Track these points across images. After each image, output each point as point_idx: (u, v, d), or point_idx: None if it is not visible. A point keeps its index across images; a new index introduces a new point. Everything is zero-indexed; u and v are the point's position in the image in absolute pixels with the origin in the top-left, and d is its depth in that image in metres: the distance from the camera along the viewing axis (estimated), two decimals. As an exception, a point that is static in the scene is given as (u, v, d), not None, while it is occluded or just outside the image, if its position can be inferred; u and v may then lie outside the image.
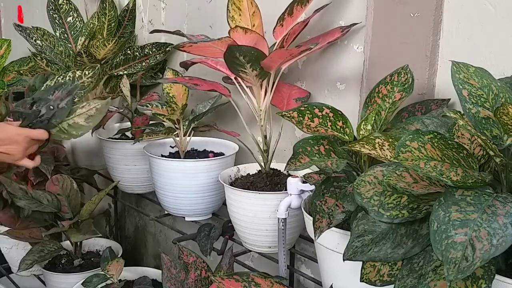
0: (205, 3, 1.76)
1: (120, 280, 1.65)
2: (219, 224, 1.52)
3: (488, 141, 0.81)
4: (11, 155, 1.23)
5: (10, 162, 1.28)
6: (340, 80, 1.38)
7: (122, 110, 1.79)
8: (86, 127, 1.33)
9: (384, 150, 0.91)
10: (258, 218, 1.31)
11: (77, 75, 1.44)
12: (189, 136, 1.62)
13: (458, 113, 0.84)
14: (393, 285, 0.85)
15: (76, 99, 1.36)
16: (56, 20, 2.07)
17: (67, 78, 1.43)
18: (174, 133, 1.62)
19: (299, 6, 1.29)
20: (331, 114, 1.08)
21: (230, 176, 1.45)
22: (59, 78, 1.44)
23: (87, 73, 1.45)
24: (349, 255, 0.89)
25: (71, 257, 1.87)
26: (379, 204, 0.85)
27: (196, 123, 1.60)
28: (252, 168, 1.46)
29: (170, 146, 1.69)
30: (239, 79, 1.32)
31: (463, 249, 0.70)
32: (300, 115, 1.07)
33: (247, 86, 1.33)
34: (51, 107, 1.28)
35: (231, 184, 1.38)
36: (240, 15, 1.34)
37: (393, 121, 1.14)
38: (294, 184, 1.20)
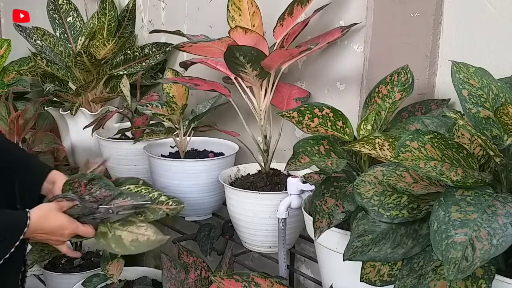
0: (205, 3, 1.76)
1: (120, 280, 1.65)
2: (219, 224, 1.52)
3: (488, 141, 0.81)
4: (52, 242, 1.19)
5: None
6: (340, 80, 1.38)
7: (122, 110, 1.79)
8: (126, 249, 1.18)
9: (384, 150, 0.91)
10: (258, 218, 1.31)
11: (159, 199, 1.25)
12: (189, 136, 1.62)
13: (458, 113, 0.84)
14: (393, 285, 0.85)
15: (141, 218, 1.22)
16: (56, 20, 2.07)
17: (150, 195, 1.25)
18: (174, 133, 1.62)
19: (299, 6, 1.29)
20: (331, 114, 1.08)
21: (230, 176, 1.45)
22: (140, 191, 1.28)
23: (171, 202, 1.26)
24: (349, 255, 0.88)
25: (71, 257, 1.87)
26: (379, 204, 0.85)
27: (196, 123, 1.60)
28: (252, 168, 1.46)
29: (170, 146, 1.69)
30: (239, 79, 1.32)
31: (463, 249, 0.70)
32: (300, 115, 1.07)
33: (247, 86, 1.33)
34: (110, 210, 1.17)
35: (231, 184, 1.38)
36: (240, 15, 1.34)
37: (393, 121, 1.14)
38: (294, 184, 1.20)
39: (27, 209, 1.13)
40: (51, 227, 1.14)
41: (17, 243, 1.11)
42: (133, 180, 1.37)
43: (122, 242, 1.18)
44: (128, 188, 1.25)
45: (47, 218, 1.14)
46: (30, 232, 1.12)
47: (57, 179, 1.29)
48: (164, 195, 1.24)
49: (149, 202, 1.21)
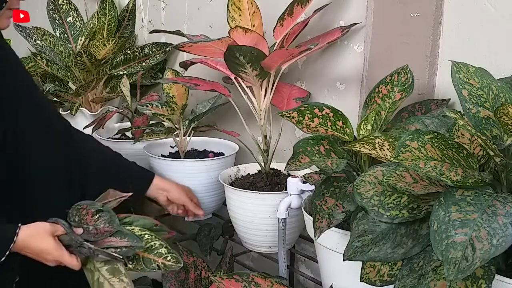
0: (205, 3, 1.76)
1: (120, 280, 1.65)
2: (219, 224, 1.52)
3: (488, 141, 0.81)
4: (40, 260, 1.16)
5: None
6: (340, 80, 1.38)
7: (122, 110, 1.79)
8: None
9: (384, 150, 0.91)
10: (258, 218, 1.31)
11: (158, 250, 1.16)
12: (189, 136, 1.62)
13: (458, 113, 0.84)
14: (393, 285, 0.85)
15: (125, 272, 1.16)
16: (56, 20, 2.07)
17: (152, 242, 1.17)
18: (174, 133, 1.62)
19: (299, 6, 1.29)
20: (331, 114, 1.08)
21: (230, 176, 1.45)
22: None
23: (169, 257, 1.16)
24: (349, 255, 0.88)
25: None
26: (379, 204, 0.85)
27: (196, 123, 1.60)
28: (252, 168, 1.46)
29: (170, 146, 1.69)
30: (239, 79, 1.32)
31: (463, 249, 0.70)
32: (300, 115, 1.07)
33: (247, 86, 1.33)
34: (91, 250, 1.13)
35: (231, 184, 1.38)
36: (240, 15, 1.34)
37: (393, 121, 1.13)
38: (294, 184, 1.20)
39: (20, 224, 1.11)
40: (36, 248, 1.12)
41: (3, 258, 1.08)
42: (147, 222, 1.24)
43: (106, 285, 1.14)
44: (133, 229, 1.18)
45: (34, 239, 1.11)
46: (17, 248, 1.11)
47: (168, 189, 1.41)
48: (166, 248, 1.16)
49: (141, 245, 1.15)
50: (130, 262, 1.17)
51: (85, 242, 1.13)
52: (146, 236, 1.17)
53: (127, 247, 1.14)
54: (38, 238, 1.11)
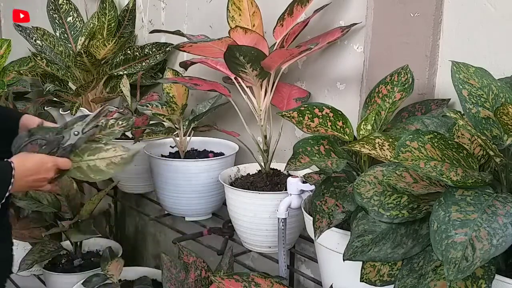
0: (205, 3, 1.76)
1: (120, 280, 1.65)
2: (219, 224, 1.52)
3: (488, 141, 0.81)
4: (40, 185, 1.20)
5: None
6: (340, 80, 1.38)
7: (122, 110, 1.79)
8: (106, 174, 1.20)
9: (384, 150, 0.91)
10: (258, 218, 1.31)
11: (109, 123, 1.32)
12: (189, 136, 1.62)
13: (458, 113, 0.84)
14: (393, 285, 0.85)
15: (103, 142, 1.25)
16: (56, 20, 2.07)
17: (100, 123, 1.29)
18: (174, 133, 1.62)
19: (299, 6, 1.29)
20: (331, 114, 1.08)
21: (230, 176, 1.45)
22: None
23: (120, 122, 1.33)
24: (349, 255, 0.88)
25: (71, 257, 1.87)
26: (379, 204, 0.85)
27: (196, 123, 1.60)
28: (252, 168, 1.46)
29: (170, 146, 1.69)
30: (239, 79, 1.32)
31: (463, 249, 0.70)
32: (300, 115, 1.07)
33: (247, 86, 1.33)
34: (75, 132, 1.20)
35: (231, 184, 1.38)
36: (240, 15, 1.34)
37: (393, 121, 1.13)
38: (294, 184, 1.20)
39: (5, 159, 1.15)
40: (34, 164, 1.16)
41: (11, 186, 1.13)
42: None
43: (99, 169, 1.20)
44: (85, 120, 1.26)
45: (26, 159, 1.16)
46: (18, 175, 1.13)
47: (29, 124, 1.31)
48: (112, 119, 1.31)
49: (107, 120, 1.28)
50: (99, 142, 1.25)
51: (64, 130, 1.20)
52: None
53: (96, 115, 1.24)
54: (28, 157, 1.17)
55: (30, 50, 2.11)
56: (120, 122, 1.31)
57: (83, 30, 2.02)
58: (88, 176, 1.21)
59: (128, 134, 1.81)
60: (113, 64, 1.97)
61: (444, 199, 0.76)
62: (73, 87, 2.04)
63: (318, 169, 1.10)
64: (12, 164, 1.13)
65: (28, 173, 1.15)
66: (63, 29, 2.07)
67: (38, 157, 1.17)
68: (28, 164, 1.15)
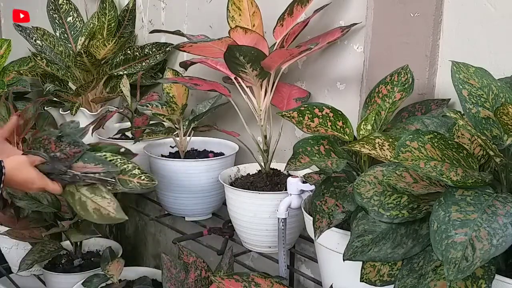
0: (205, 3, 1.76)
1: (120, 280, 1.65)
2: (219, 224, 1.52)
3: (488, 141, 0.81)
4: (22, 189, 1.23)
5: None
6: (340, 80, 1.38)
7: (122, 110, 1.79)
8: (89, 216, 1.19)
9: (384, 150, 0.91)
10: (258, 218, 1.31)
11: (132, 171, 1.26)
12: (189, 136, 1.62)
13: (458, 113, 0.84)
14: (393, 285, 0.85)
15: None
16: (56, 20, 2.07)
17: (125, 166, 1.26)
18: (174, 133, 1.62)
19: (299, 6, 1.29)
20: (331, 114, 1.08)
21: (230, 176, 1.45)
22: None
23: (143, 177, 1.27)
24: (349, 255, 0.88)
25: (71, 257, 1.87)
26: (379, 204, 0.85)
27: (196, 123, 1.60)
28: (252, 168, 1.46)
29: (170, 146, 1.69)
30: (239, 79, 1.32)
31: (463, 249, 0.70)
32: (300, 115, 1.07)
33: (247, 86, 1.33)
34: (77, 177, 1.20)
35: (231, 184, 1.38)
36: (240, 15, 1.34)
37: (393, 121, 1.13)
38: (294, 184, 1.20)
39: (1, 160, 1.15)
40: (22, 180, 1.16)
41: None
42: (113, 147, 1.36)
43: (86, 207, 1.19)
44: (104, 155, 1.25)
45: (20, 171, 1.16)
46: (5, 182, 1.14)
47: None
48: (138, 169, 1.25)
49: (114, 180, 1.22)
50: (107, 184, 1.23)
51: (68, 170, 1.19)
52: (119, 160, 1.24)
53: (105, 172, 1.20)
54: (23, 170, 1.17)
55: (30, 50, 2.11)
56: (143, 177, 1.27)
57: (83, 30, 2.02)
58: (75, 206, 1.21)
59: (128, 134, 1.81)
60: (113, 64, 1.97)
61: (444, 199, 0.76)
62: (73, 87, 2.04)
63: (318, 169, 1.10)
64: (3, 170, 1.13)
65: (12, 183, 1.16)
66: (63, 29, 2.07)
67: (31, 175, 1.17)
68: (18, 178, 1.16)
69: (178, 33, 1.42)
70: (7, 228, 1.78)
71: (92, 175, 1.19)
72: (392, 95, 1.10)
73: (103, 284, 1.64)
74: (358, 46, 1.32)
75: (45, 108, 2.09)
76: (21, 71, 2.22)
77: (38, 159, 1.20)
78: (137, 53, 1.95)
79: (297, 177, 1.22)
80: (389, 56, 1.23)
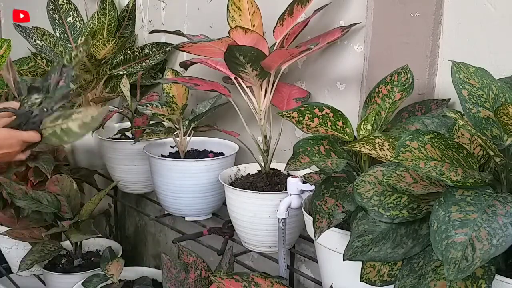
0: (205, 3, 1.76)
1: (120, 280, 1.65)
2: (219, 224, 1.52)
3: (488, 141, 0.81)
4: (7, 156, 1.19)
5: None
6: (340, 80, 1.38)
7: (122, 110, 1.79)
8: (79, 135, 1.22)
9: (384, 150, 0.91)
10: (258, 218, 1.31)
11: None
12: (189, 136, 1.62)
13: (458, 113, 0.84)
14: (393, 285, 0.85)
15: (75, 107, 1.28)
16: (56, 20, 2.07)
17: (65, 60, 1.31)
18: (174, 133, 1.62)
19: (299, 6, 1.29)
20: (331, 114, 1.08)
21: (230, 176, 1.45)
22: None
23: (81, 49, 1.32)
24: (349, 255, 0.88)
25: (71, 257, 1.87)
26: (379, 204, 0.85)
27: (196, 123, 1.59)
28: (252, 168, 1.46)
29: (170, 146, 1.69)
30: (239, 79, 1.32)
31: (463, 249, 0.70)
32: (300, 115, 1.07)
33: (247, 86, 1.33)
34: (44, 109, 1.21)
35: (231, 184, 1.38)
36: (240, 15, 1.34)
37: (393, 121, 1.13)
38: (294, 184, 1.20)
39: None
40: None
41: None
42: None
43: (72, 131, 1.19)
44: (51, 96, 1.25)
45: None
46: None
47: None
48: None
49: (72, 88, 1.26)
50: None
51: (32, 108, 1.19)
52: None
53: (66, 93, 1.24)
54: None
55: (30, 50, 2.11)
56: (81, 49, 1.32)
57: (83, 30, 2.02)
58: (62, 140, 1.21)
59: (128, 134, 1.81)
60: (113, 64, 1.97)
61: (444, 199, 0.76)
62: (73, 87, 2.04)
63: (318, 169, 1.10)
64: None
65: None
66: (63, 29, 2.07)
67: (3, 132, 1.15)
68: None
69: (178, 33, 1.42)
70: (7, 228, 1.78)
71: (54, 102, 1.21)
72: (392, 95, 1.10)
73: (103, 284, 1.64)
74: (358, 46, 1.32)
75: (45, 108, 2.09)
76: (21, 71, 2.22)
77: (5, 118, 1.18)
78: (137, 53, 1.95)
79: (297, 177, 1.22)
80: (389, 56, 1.23)
